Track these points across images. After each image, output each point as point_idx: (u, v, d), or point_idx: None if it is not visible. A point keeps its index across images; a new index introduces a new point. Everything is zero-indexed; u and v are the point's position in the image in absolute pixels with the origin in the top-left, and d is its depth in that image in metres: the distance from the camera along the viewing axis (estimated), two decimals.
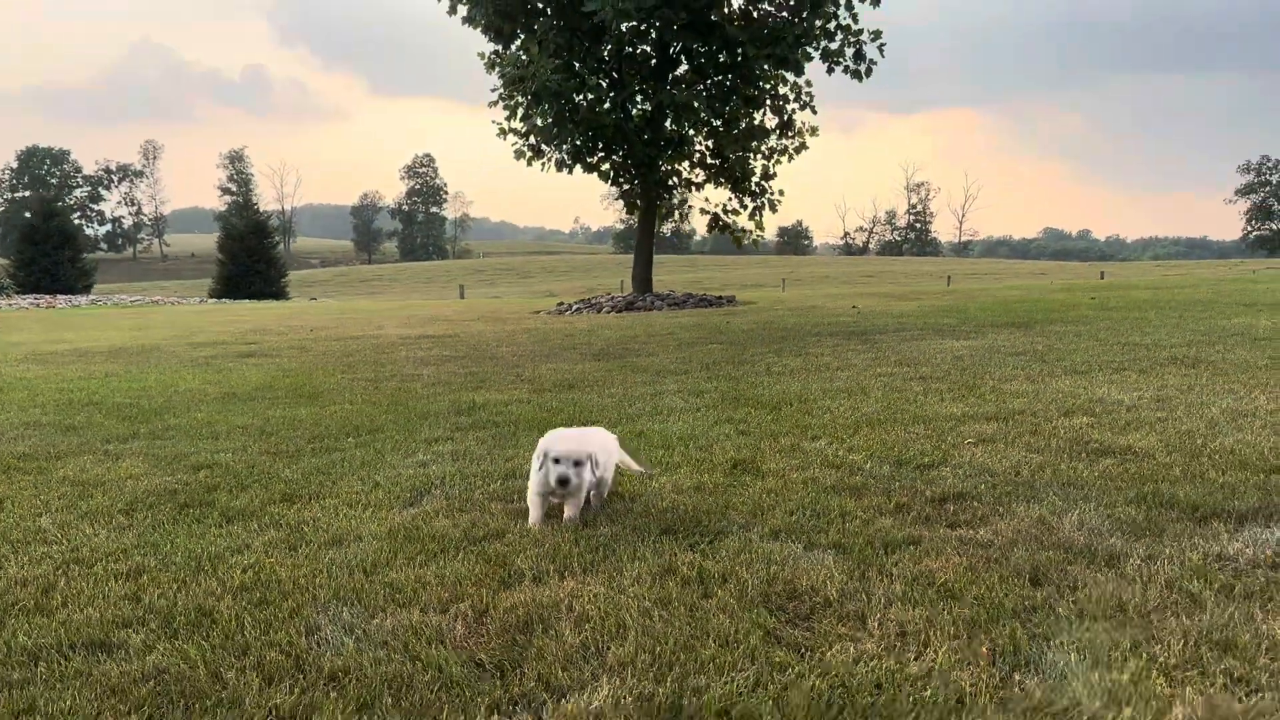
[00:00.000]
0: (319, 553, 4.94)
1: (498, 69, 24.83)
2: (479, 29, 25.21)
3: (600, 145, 24.60)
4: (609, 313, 24.14)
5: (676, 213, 27.30)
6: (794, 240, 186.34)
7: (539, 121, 23.78)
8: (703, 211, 26.97)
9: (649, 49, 24.32)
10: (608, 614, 3.94)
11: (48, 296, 42.39)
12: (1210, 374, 9.34)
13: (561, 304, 27.97)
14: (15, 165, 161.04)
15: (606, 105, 24.23)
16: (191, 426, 9.03)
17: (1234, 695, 3.11)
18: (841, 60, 23.85)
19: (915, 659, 3.41)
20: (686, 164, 26.25)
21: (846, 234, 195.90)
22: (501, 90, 24.77)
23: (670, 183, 25.86)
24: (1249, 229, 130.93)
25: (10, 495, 6.41)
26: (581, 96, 23.62)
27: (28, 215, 58.17)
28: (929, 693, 3.13)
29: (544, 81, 21.72)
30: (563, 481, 4.92)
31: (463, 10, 24.75)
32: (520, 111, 24.93)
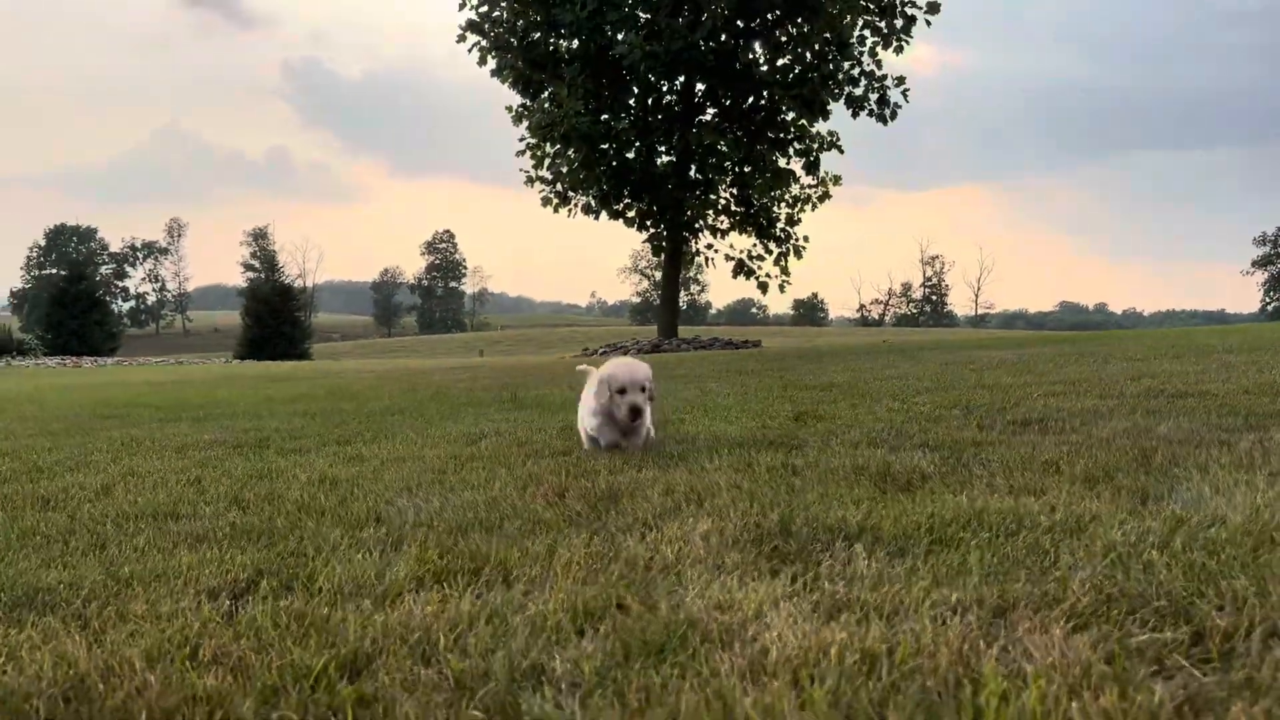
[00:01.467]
0: (381, 468, 4.78)
1: (526, 120, 25.32)
2: (507, 83, 25.80)
3: (626, 191, 24.89)
4: (635, 355, 24.10)
5: (702, 257, 27.33)
6: (810, 312, 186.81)
7: (565, 168, 24.11)
8: (727, 258, 27.08)
9: (675, 95, 24.79)
10: (695, 485, 3.75)
11: (74, 357, 42.81)
12: (1271, 353, 9.10)
13: (587, 349, 27.95)
14: (44, 244, 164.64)
15: (632, 154, 24.59)
16: (233, 416, 8.92)
17: None
18: (866, 105, 24.22)
19: (1035, 499, 3.20)
20: (711, 212, 26.45)
21: (862, 306, 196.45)
22: (529, 139, 25.22)
23: (696, 226, 26.03)
24: (1267, 300, 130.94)
25: (57, 446, 6.30)
26: (609, 144, 24.00)
27: (60, 284, 59.26)
28: (1059, 515, 2.92)
29: (573, 124, 22.11)
30: (636, 411, 4.59)
31: (492, 63, 25.38)
32: (547, 161, 25.32)
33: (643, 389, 4.63)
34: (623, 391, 4.62)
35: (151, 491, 4.18)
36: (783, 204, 26.74)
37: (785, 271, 26.86)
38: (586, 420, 4.97)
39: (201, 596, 2.46)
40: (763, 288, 26.80)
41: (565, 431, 6.02)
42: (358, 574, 2.61)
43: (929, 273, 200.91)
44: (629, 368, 4.72)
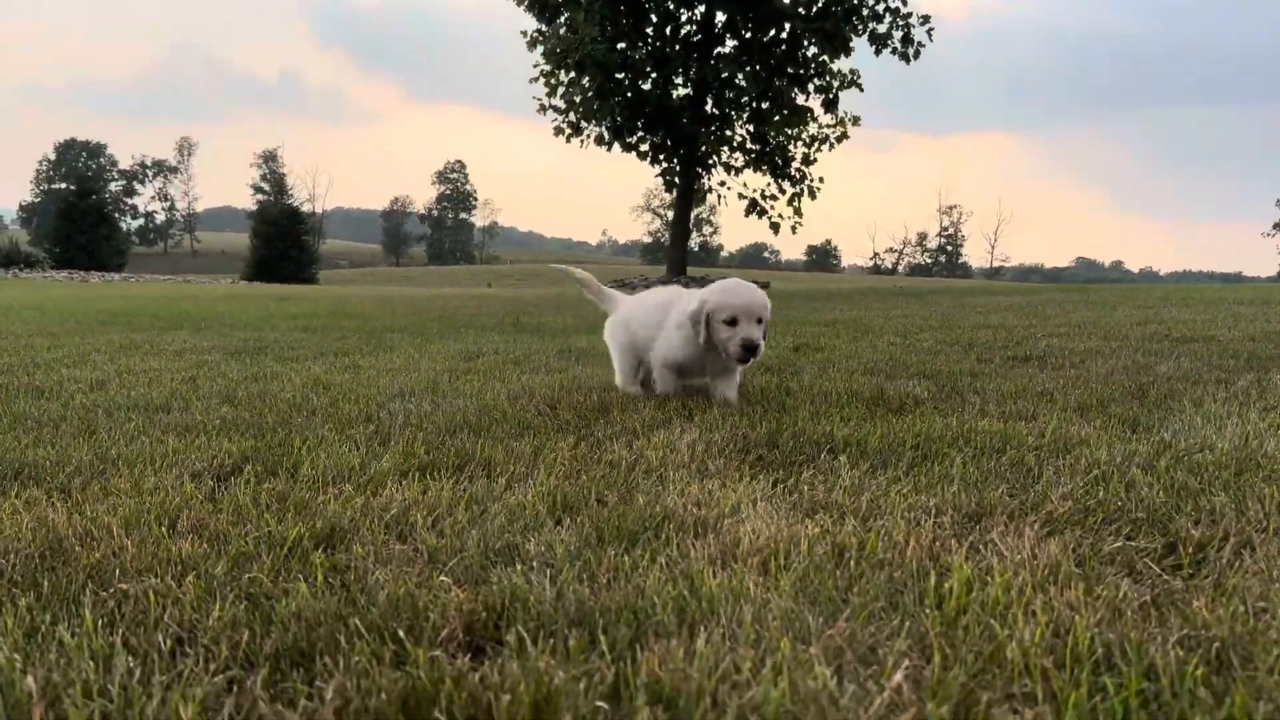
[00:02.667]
0: (376, 377, 4.78)
1: (540, 46, 24.81)
2: (523, 6, 25.21)
3: (640, 123, 24.47)
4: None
5: (714, 195, 27.00)
6: (823, 258, 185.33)
7: (578, 97, 23.70)
8: (740, 196, 26.72)
9: (695, 25, 24.23)
10: (686, 402, 3.74)
11: (82, 272, 42.81)
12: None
13: None
14: (53, 157, 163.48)
15: (648, 85, 24.13)
16: (233, 327, 8.92)
17: None
18: (890, 43, 23.63)
19: (1025, 424, 3.18)
20: (726, 148, 26.05)
21: (876, 254, 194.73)
22: (543, 66, 24.74)
23: (709, 162, 25.65)
24: None
25: (56, 345, 6.31)
26: (624, 74, 23.54)
27: (70, 199, 58.85)
28: (1047, 436, 2.90)
29: (588, 51, 21.67)
30: (750, 349, 3.47)
31: None
32: (561, 89, 24.87)
33: (759, 320, 3.53)
34: (733, 322, 3.48)
35: (145, 387, 4.19)
36: (799, 143, 26.27)
37: (798, 213, 26.50)
38: (653, 356, 3.87)
39: (185, 477, 2.47)
40: (774, 228, 26.46)
41: (564, 354, 6.01)
42: (342, 464, 2.62)
43: (945, 222, 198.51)
44: (746, 293, 3.56)
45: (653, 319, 3.88)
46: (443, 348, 6.43)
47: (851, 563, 1.75)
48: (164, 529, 1.98)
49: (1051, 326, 7.36)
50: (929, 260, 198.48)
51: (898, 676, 1.26)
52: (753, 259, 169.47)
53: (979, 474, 2.45)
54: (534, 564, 1.79)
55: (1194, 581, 1.68)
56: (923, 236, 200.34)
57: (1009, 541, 1.87)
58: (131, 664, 1.34)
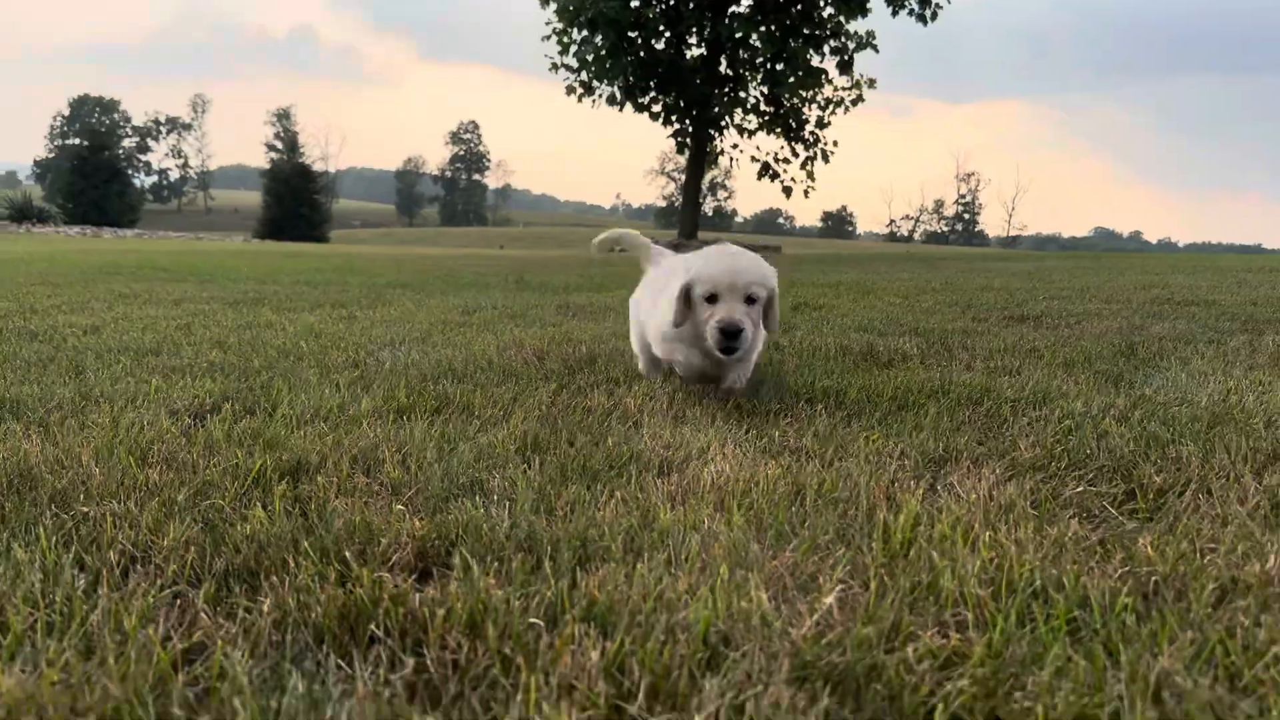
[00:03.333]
0: (371, 327, 4.79)
1: (553, 2, 24.54)
2: None
3: (653, 83, 24.26)
4: None
5: (726, 157, 26.79)
6: (838, 225, 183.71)
7: (591, 55, 23.48)
8: (753, 160, 26.54)
9: None
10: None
11: (94, 228, 42.97)
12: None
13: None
14: (67, 113, 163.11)
15: (661, 44, 23.86)
16: (237, 280, 8.95)
17: None
18: (907, 3, 23.30)
19: (1008, 377, 3.17)
20: (739, 110, 25.80)
21: (892, 221, 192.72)
22: (555, 24, 24.50)
23: (722, 124, 25.45)
24: None
25: (56, 294, 6.35)
26: (637, 32, 23.28)
27: (83, 154, 58.81)
28: (1027, 390, 2.89)
29: (600, 8, 21.43)
30: (730, 334, 2.65)
31: None
32: (573, 47, 24.64)
33: (749, 298, 2.74)
34: (713, 299, 2.74)
35: (139, 333, 4.22)
36: (813, 105, 26.03)
37: (811, 176, 26.32)
38: (649, 334, 3.14)
39: (163, 414, 2.50)
40: (787, 192, 26.31)
41: (562, 309, 6.01)
42: (321, 405, 2.64)
43: (963, 190, 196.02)
44: (728, 260, 2.80)
45: (650, 292, 3.20)
46: (442, 302, 6.44)
47: (808, 501, 1.76)
48: (134, 459, 2.01)
49: (1054, 290, 7.31)
50: (945, 228, 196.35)
51: (830, 599, 1.27)
52: (767, 225, 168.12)
53: (951, 423, 2.45)
54: (494, 497, 1.81)
55: (1150, 525, 1.68)
56: (939, 204, 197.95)
57: (967, 484, 1.87)
58: (80, 578, 1.36)
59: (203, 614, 1.26)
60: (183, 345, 3.86)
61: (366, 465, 2.03)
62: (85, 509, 1.66)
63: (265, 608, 1.25)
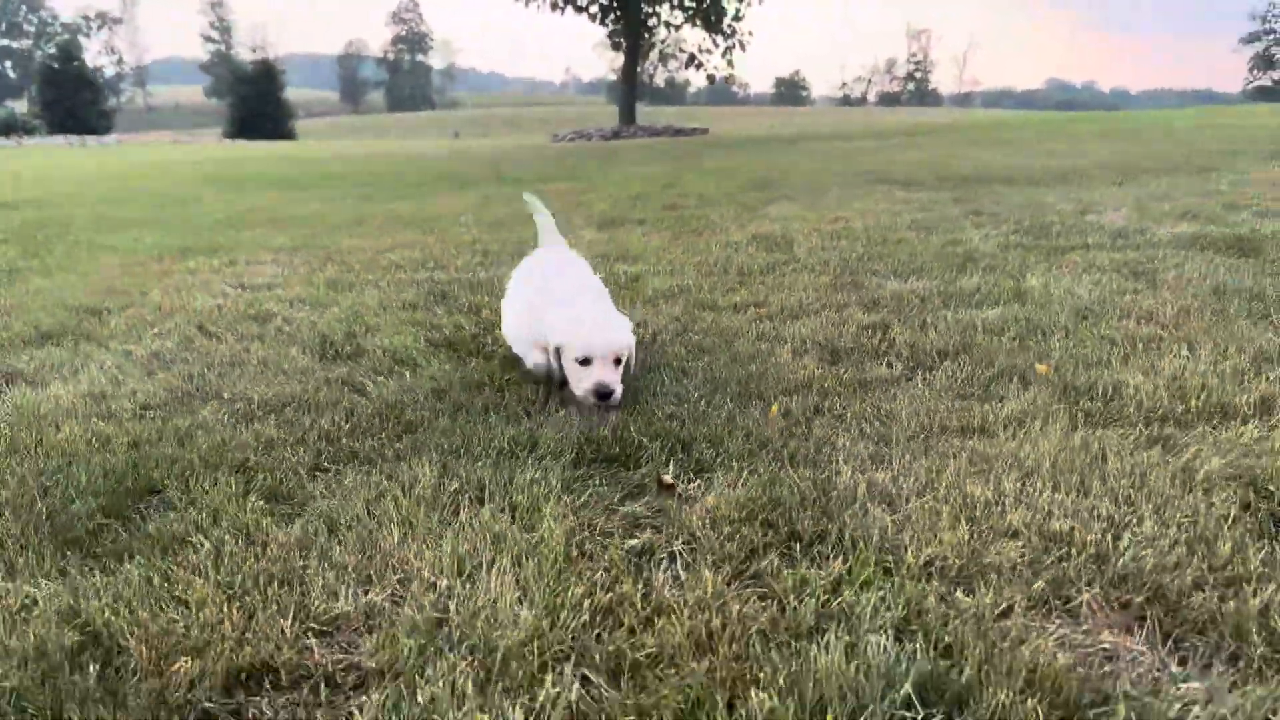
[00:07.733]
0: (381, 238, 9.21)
1: None
2: None
3: None
4: (598, 140, 28.05)
5: (658, 52, 30.65)
6: (791, 91, 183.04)
7: None
8: (680, 50, 30.46)
9: None
10: (662, 254, 7.93)
11: (76, 136, 45.45)
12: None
13: (556, 135, 31.75)
14: None
15: None
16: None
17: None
18: None
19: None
20: (666, 6, 29.46)
21: (845, 84, 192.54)
22: None
23: (650, 23, 29.19)
24: (1249, 78, 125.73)
25: (52, 216, 10.65)
26: None
27: (52, 64, 59.69)
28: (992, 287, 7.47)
29: None
30: (603, 394, 2.97)
31: None
32: None
33: (617, 360, 3.04)
34: (585, 362, 3.01)
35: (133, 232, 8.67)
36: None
37: (730, 65, 30.40)
38: (519, 347, 3.45)
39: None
40: (710, 80, 30.34)
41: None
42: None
43: (914, 48, 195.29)
44: (601, 334, 3.04)
45: (520, 278, 3.68)
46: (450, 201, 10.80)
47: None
48: None
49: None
50: (898, 89, 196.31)
51: None
52: (720, 95, 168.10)
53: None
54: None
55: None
56: (891, 64, 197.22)
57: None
58: None
59: None
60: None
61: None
62: None
63: None
